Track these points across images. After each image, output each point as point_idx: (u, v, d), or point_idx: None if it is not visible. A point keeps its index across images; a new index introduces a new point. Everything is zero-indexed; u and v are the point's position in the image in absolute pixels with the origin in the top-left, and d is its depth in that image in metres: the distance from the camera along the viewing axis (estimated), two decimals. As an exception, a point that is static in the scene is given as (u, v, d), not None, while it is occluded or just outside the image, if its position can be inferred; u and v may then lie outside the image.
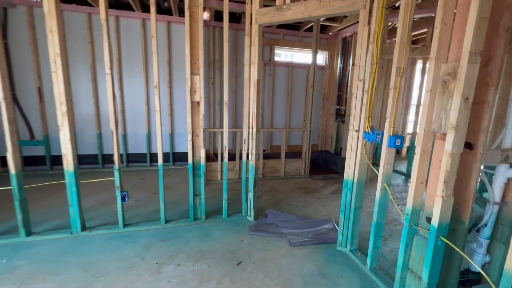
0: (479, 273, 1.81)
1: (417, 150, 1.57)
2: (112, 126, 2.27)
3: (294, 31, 4.98)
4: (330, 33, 5.14)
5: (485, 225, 1.70)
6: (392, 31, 4.72)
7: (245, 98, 2.63)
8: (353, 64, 4.70)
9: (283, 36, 4.95)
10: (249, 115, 2.68)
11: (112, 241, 2.32)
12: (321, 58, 5.43)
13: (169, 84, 4.50)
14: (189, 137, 2.52)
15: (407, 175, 4.62)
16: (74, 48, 4.05)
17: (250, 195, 2.78)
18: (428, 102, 1.50)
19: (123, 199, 2.40)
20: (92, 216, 2.72)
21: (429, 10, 3.44)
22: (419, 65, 5.86)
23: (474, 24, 1.21)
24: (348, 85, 4.84)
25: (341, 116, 5.13)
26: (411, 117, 5.69)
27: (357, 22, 4.43)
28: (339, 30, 5.02)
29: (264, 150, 5.29)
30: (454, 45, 1.40)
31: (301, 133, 5.45)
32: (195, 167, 2.62)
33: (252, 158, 2.72)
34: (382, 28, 1.90)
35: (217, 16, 4.53)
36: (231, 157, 4.14)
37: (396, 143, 1.75)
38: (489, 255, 1.76)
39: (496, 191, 1.66)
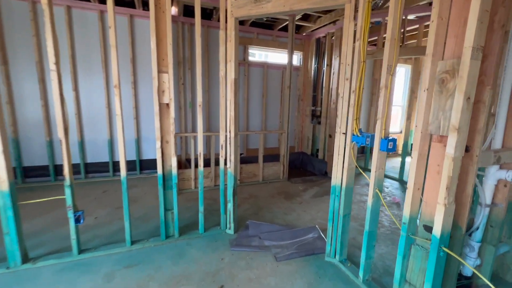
0: (471, 277, 1.77)
1: (414, 154, 1.45)
2: (61, 133, 1.88)
3: (268, 30, 4.83)
4: (304, 34, 5.08)
5: (477, 228, 1.65)
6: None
7: (221, 99, 2.37)
8: (327, 65, 4.68)
9: (256, 35, 4.77)
10: (226, 117, 2.43)
11: (63, 273, 1.91)
12: (296, 58, 5.35)
13: (134, 85, 4.06)
14: (158, 144, 2.19)
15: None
16: (16, 42, 3.44)
17: (230, 206, 2.53)
18: (425, 102, 1.39)
19: (77, 220, 2.00)
20: (38, 243, 2.26)
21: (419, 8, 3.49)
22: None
23: (477, 17, 1.11)
24: (323, 86, 4.81)
25: (317, 117, 5.09)
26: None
27: (331, 23, 4.41)
28: (312, 31, 4.98)
29: (240, 154, 5.05)
30: (451, 41, 1.30)
31: (278, 135, 5.32)
32: (166, 177, 2.30)
33: (230, 165, 2.47)
34: (368, 24, 1.78)
35: (186, 11, 4.21)
36: (206, 163, 3.84)
37: (389, 146, 1.64)
38: (480, 258, 1.73)
39: (487, 193, 1.62)
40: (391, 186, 4.24)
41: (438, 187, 1.35)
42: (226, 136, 2.46)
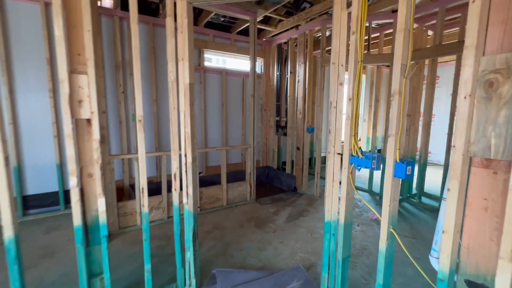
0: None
1: (453, 185, 1.05)
2: None
3: (225, 33, 4.32)
4: (264, 39, 4.71)
5: None
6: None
7: (171, 111, 1.74)
8: (291, 73, 4.37)
9: (213, 38, 4.22)
10: (179, 136, 1.79)
11: None
12: (257, 65, 4.93)
13: (53, 93, 3.10)
14: (74, 181, 1.44)
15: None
16: None
17: (188, 255, 1.86)
18: (466, 114, 1.00)
19: None
20: None
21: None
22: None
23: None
24: (287, 94, 4.47)
25: (282, 128, 4.72)
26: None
27: (293, 27, 4.11)
28: (273, 36, 4.64)
29: (199, 173, 4.35)
30: (496, 30, 0.95)
31: (242, 149, 4.77)
32: (90, 229, 1.54)
33: (189, 201, 1.83)
34: (366, 13, 1.39)
35: (125, 4, 3.45)
36: (155, 189, 3.08)
37: (407, 172, 1.23)
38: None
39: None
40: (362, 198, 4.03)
41: (485, 229, 0.97)
42: (181, 161, 1.81)
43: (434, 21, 3.44)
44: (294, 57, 4.34)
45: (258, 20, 3.96)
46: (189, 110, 1.71)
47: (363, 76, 6.60)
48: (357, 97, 1.42)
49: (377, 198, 4.01)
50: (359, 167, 1.45)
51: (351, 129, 1.45)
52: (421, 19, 3.51)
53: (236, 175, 4.63)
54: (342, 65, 1.46)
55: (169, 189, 3.02)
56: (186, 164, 1.77)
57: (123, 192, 3.64)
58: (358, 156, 1.43)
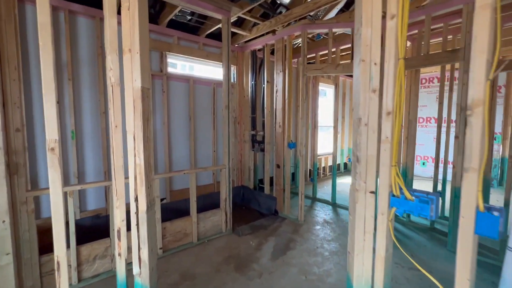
0: None
1: None
2: None
3: (192, 36, 3.75)
4: (237, 44, 4.25)
5: None
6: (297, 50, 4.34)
7: (112, 130, 1.11)
8: (268, 82, 3.93)
9: (177, 40, 3.62)
10: (125, 169, 1.16)
11: None
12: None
13: None
14: None
15: (324, 201, 4.15)
16: None
17: None
18: None
19: None
20: None
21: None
22: (328, 89, 5.92)
23: None
24: (264, 106, 4.02)
25: (259, 143, 4.22)
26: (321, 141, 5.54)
27: (270, 32, 3.71)
28: (246, 42, 4.20)
29: (161, 200, 3.60)
30: None
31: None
32: None
33: (142, 271, 1.18)
34: (408, -10, 0.96)
35: (62, -9, 2.70)
36: (103, 227, 2.32)
37: (499, 227, 0.78)
38: None
39: None
40: (330, 211, 3.65)
41: None
42: (133, 210, 1.17)
43: (415, 31, 3.30)
44: (271, 65, 3.93)
45: (231, 21, 3.48)
46: (142, 129, 1.10)
47: (331, 89, 6.50)
48: (400, 110, 0.97)
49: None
50: (402, 211, 0.99)
51: (390, 157, 0.99)
52: (403, 29, 3.35)
53: (207, 199, 3.98)
54: (375, 64, 1.00)
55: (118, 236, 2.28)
56: (137, 213, 1.14)
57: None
58: (404, 197, 0.97)
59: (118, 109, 1.08)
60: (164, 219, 3.51)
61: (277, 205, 3.81)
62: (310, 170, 5.74)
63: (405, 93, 3.60)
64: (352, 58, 3.34)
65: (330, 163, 6.42)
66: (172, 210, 3.60)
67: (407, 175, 3.50)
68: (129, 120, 1.11)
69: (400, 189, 0.97)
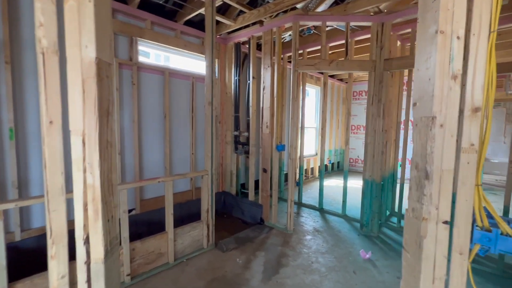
0: None
1: None
2: None
3: (169, 21, 3.27)
4: (219, 35, 3.83)
5: None
6: (287, 45, 4.06)
7: (44, 126, 0.67)
8: (254, 78, 3.58)
9: (151, 25, 3.11)
10: (64, 192, 0.73)
11: None
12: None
13: None
14: None
15: (317, 209, 3.91)
16: None
17: None
18: None
19: None
20: None
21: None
22: (310, 89, 5.70)
23: None
24: (249, 104, 3.66)
25: (242, 145, 3.85)
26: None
27: (257, 23, 3.37)
28: (230, 33, 3.81)
29: (129, 211, 3.07)
30: None
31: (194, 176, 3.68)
32: None
33: None
34: None
35: None
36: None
37: None
38: None
39: None
40: (318, 218, 3.42)
41: None
42: (78, 254, 0.74)
43: (408, 30, 3.17)
44: (257, 59, 3.59)
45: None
46: (97, 128, 0.68)
47: (314, 89, 6.35)
48: (490, 106, 0.67)
49: (354, 224, 3.48)
50: (502, 252, 0.69)
51: (476, 172, 0.69)
52: (396, 27, 3.20)
53: (184, 209, 3.52)
54: (458, 38, 0.69)
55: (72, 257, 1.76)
56: (89, 264, 0.71)
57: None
58: (499, 231, 0.67)
59: (54, 94, 0.65)
60: (133, 235, 3.00)
61: (263, 213, 3.47)
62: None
63: (400, 92, 3.47)
64: (346, 54, 3.12)
65: (312, 165, 6.25)
66: (143, 223, 3.09)
67: (397, 178, 3.37)
68: (75, 112, 0.68)
69: (490, 218, 0.68)
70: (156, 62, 3.38)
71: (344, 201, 3.75)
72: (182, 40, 3.39)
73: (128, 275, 2.11)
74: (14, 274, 2.19)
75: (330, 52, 4.58)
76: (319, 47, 3.83)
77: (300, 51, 4.12)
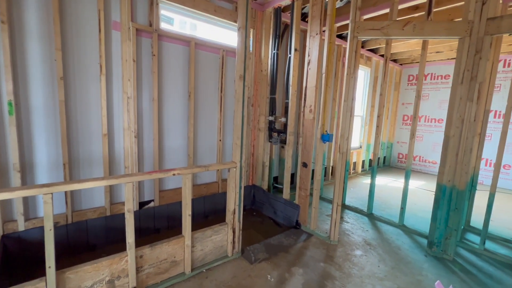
0: None
1: None
2: None
3: (196, -20, 2.71)
4: (254, 0, 3.19)
5: None
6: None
7: None
8: (296, 50, 2.90)
9: (175, -17, 2.59)
10: None
11: None
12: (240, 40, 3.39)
13: None
14: None
15: (356, 210, 3.19)
16: None
17: None
18: None
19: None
20: None
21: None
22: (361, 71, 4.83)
23: None
24: (289, 83, 3.01)
25: (278, 133, 3.25)
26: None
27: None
28: (269, -4, 3.14)
29: (147, 202, 2.70)
30: None
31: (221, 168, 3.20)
32: None
33: None
34: None
35: None
36: (61, 246, 1.42)
37: None
38: None
39: None
40: (367, 226, 2.67)
41: None
42: None
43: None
44: (300, 27, 2.89)
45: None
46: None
47: (363, 71, 5.41)
48: None
49: (416, 238, 2.72)
50: None
51: None
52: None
53: (209, 203, 3.10)
54: None
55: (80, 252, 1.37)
56: None
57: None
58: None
59: None
60: (151, 230, 2.63)
61: (300, 216, 2.88)
62: (332, 167, 4.78)
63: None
64: (429, 14, 2.28)
65: (354, 159, 5.45)
66: (161, 217, 2.72)
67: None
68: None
69: None
70: (181, 30, 2.87)
71: (403, 208, 2.99)
72: (212, 4, 2.83)
73: (135, 287, 1.70)
74: (14, 267, 1.92)
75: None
76: (381, 12, 2.99)
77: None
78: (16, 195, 1.25)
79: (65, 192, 2.20)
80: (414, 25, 2.21)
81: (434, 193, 2.45)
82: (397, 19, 3.02)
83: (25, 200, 2.04)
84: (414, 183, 4.95)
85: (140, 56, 2.48)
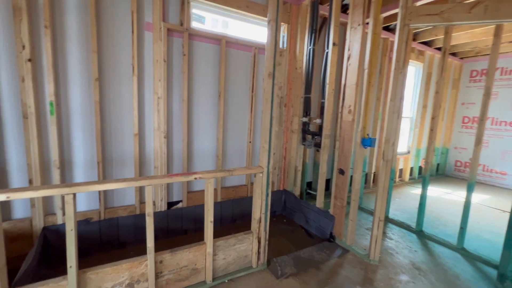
0: None
1: None
2: None
3: (228, -24, 2.62)
4: (291, -7, 2.99)
5: None
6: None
7: None
8: (334, 45, 2.63)
9: (207, -19, 2.53)
10: None
11: None
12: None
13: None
14: None
15: (401, 224, 2.74)
16: None
17: None
18: None
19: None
20: None
21: None
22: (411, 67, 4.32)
23: None
24: (326, 82, 2.74)
25: (313, 135, 3.00)
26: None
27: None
28: (305, -12, 2.91)
29: (176, 203, 2.69)
30: None
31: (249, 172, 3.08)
32: None
33: None
34: None
35: None
36: (95, 241, 1.45)
37: None
38: None
39: None
40: (416, 245, 2.22)
41: None
42: None
43: None
44: (340, 20, 2.60)
45: None
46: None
47: (413, 67, 4.78)
48: None
49: (481, 266, 2.23)
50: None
51: None
52: None
53: (237, 206, 2.99)
54: None
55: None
56: None
57: (29, 243, 2.02)
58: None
59: None
60: (179, 231, 2.60)
61: (335, 228, 2.60)
62: (374, 173, 4.32)
63: None
64: (506, -9, 1.83)
65: (400, 165, 4.87)
66: (189, 218, 2.69)
67: None
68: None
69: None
70: (212, 29, 2.81)
71: (464, 228, 2.50)
72: (244, 0, 2.71)
73: (152, 293, 1.64)
74: (53, 257, 2.03)
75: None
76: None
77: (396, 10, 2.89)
78: (39, 195, 1.26)
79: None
80: (485, 6, 1.79)
81: (507, 212, 1.97)
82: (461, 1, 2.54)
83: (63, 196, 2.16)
84: (477, 197, 4.21)
85: (171, 56, 2.47)
